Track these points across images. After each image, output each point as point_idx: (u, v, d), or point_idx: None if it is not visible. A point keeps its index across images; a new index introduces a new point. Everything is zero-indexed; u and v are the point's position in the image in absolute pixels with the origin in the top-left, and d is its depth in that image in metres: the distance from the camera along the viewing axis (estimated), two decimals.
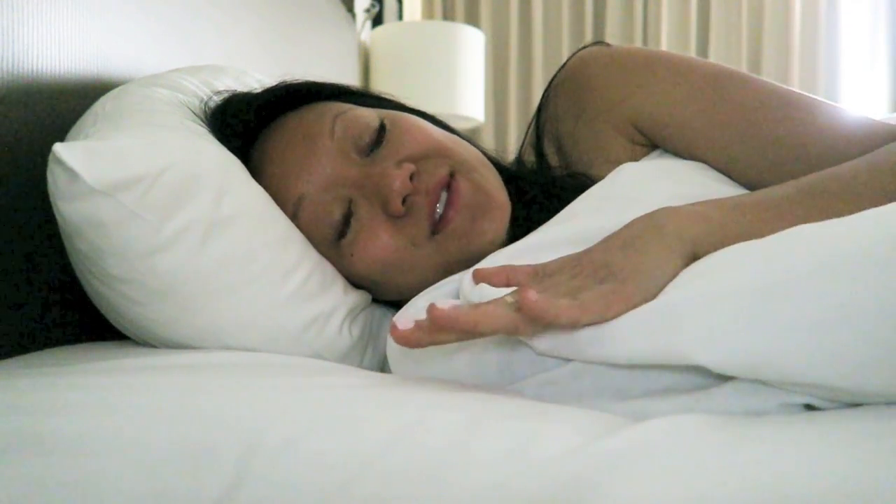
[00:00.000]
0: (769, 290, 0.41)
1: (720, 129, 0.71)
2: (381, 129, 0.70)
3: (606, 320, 0.46)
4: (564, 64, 0.79)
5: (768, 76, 2.97)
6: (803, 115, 0.69)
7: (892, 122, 0.68)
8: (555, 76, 0.79)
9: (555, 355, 0.49)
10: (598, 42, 0.80)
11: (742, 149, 0.70)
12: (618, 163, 0.73)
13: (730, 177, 0.71)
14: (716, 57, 3.04)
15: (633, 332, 0.44)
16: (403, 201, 0.67)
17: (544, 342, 0.49)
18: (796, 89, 0.73)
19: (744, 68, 2.99)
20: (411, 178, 0.67)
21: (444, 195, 0.69)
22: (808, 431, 0.37)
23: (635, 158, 0.74)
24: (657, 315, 0.44)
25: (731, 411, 0.42)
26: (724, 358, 0.41)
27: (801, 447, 0.36)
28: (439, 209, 0.68)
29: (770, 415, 0.42)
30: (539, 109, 0.81)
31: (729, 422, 0.40)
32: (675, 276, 0.49)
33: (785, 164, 0.68)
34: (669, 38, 3.07)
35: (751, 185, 0.70)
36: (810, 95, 0.71)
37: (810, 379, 0.39)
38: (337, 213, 0.69)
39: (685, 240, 0.51)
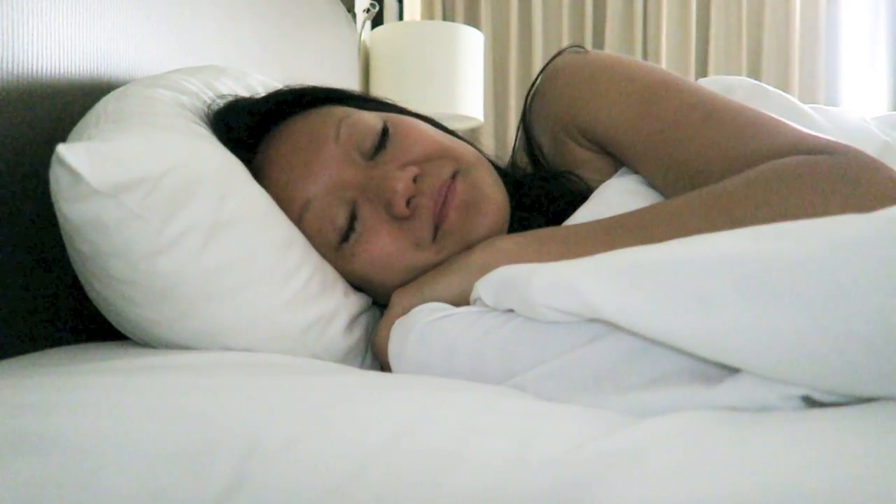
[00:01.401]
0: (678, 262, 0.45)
1: (645, 146, 0.70)
2: (384, 132, 0.71)
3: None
4: (539, 74, 0.80)
5: (768, 77, 2.97)
6: (715, 133, 0.67)
7: (819, 135, 0.66)
8: (533, 84, 0.81)
9: (503, 308, 0.57)
10: (575, 46, 0.80)
11: (660, 167, 0.70)
12: (595, 168, 0.76)
13: (661, 194, 0.71)
14: (716, 58, 3.04)
15: (553, 287, 0.50)
16: (408, 203, 0.67)
17: (489, 299, 0.58)
18: (732, 100, 0.70)
19: (744, 69, 2.99)
20: (415, 180, 0.68)
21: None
22: (815, 429, 0.37)
23: (610, 164, 0.77)
24: (583, 269, 0.49)
25: (732, 404, 0.42)
26: (626, 313, 0.44)
27: (807, 445, 0.35)
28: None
29: (774, 410, 0.41)
30: (524, 116, 0.83)
31: (731, 419, 0.40)
32: (465, 288, 0.64)
33: (693, 184, 0.67)
34: (669, 38, 3.06)
35: None
36: (745, 107, 0.68)
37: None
38: (342, 217, 0.69)
39: (481, 267, 0.64)
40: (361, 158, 0.70)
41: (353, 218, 0.69)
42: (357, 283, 0.73)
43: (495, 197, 0.72)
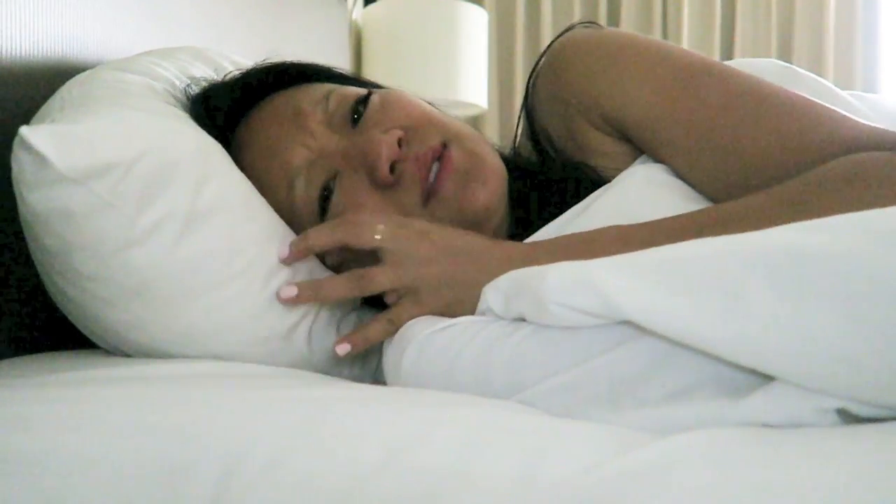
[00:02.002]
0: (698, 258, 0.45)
1: (683, 132, 0.70)
2: (369, 99, 0.72)
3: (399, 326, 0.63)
4: (545, 51, 0.79)
5: (800, 60, 2.96)
6: (774, 122, 0.66)
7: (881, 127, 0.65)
8: (537, 63, 0.80)
9: (511, 316, 0.56)
10: (585, 23, 0.80)
11: (701, 156, 0.69)
12: (609, 156, 0.76)
13: (693, 186, 0.71)
14: (742, 40, 3.04)
15: (570, 283, 0.49)
16: (392, 170, 0.68)
17: (499, 306, 0.56)
18: (790, 89, 0.69)
19: (773, 52, 2.98)
20: (399, 144, 0.68)
21: (436, 166, 0.70)
22: (852, 449, 0.37)
23: (626, 153, 0.76)
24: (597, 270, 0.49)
25: (760, 418, 0.42)
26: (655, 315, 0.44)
27: (844, 467, 0.35)
28: (432, 178, 0.70)
29: (806, 427, 0.41)
30: (526, 99, 0.83)
31: (759, 437, 0.40)
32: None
33: (743, 175, 0.66)
34: (691, 16, 3.06)
35: (710, 197, 0.69)
36: (799, 96, 0.68)
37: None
38: (319, 188, 0.70)
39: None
40: (346, 128, 0.72)
41: (330, 189, 0.70)
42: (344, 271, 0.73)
43: (493, 165, 0.72)
